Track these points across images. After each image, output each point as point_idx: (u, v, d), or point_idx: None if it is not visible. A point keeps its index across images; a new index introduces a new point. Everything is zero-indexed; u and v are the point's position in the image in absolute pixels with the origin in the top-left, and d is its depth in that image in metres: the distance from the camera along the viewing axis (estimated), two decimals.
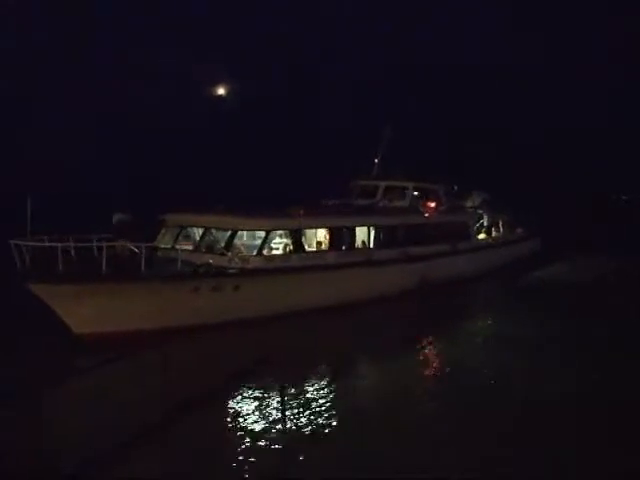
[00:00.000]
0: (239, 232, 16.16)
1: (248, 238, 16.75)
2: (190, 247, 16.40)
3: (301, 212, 16.97)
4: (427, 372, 13.33)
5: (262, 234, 16.13)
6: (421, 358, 14.26)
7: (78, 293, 13.25)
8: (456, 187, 26.56)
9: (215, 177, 38.25)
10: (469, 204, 26.12)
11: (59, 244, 13.15)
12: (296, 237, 16.79)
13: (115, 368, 12.89)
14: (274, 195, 26.50)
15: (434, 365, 13.88)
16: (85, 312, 13.56)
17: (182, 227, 17.13)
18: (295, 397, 11.02)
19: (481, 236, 25.70)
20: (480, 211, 26.16)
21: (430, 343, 15.29)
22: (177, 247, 15.32)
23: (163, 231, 17.47)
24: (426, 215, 22.57)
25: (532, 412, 10.46)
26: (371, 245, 19.25)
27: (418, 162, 26.50)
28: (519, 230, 29.19)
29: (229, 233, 15.92)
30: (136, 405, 10.61)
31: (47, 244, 13.24)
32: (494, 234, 26.71)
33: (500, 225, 27.17)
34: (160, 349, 13.58)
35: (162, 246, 16.57)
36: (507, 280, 23.75)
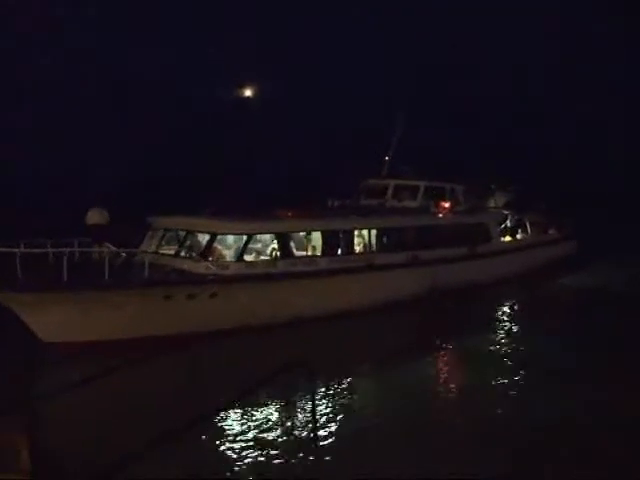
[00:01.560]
0: (219, 236, 15.18)
1: (231, 243, 15.75)
2: (171, 252, 15.60)
3: (289, 214, 15.86)
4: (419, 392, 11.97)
5: (243, 238, 15.10)
6: (409, 376, 12.79)
7: (39, 302, 12.62)
8: (494, 186, 24.87)
9: (236, 176, 37.61)
10: (492, 204, 24.34)
11: (18, 250, 12.51)
12: (283, 241, 15.69)
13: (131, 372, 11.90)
14: (287, 195, 25.51)
15: (426, 387, 12.41)
16: (51, 321, 12.94)
17: (166, 231, 16.33)
18: (312, 404, 10.28)
19: (506, 239, 23.89)
20: (505, 212, 24.34)
21: (424, 358, 13.97)
22: (144, 251, 14.50)
23: (150, 234, 16.74)
24: (439, 216, 21.06)
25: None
26: (373, 249, 17.92)
27: (440, 162, 25.05)
28: (552, 232, 27.10)
29: (208, 237, 14.99)
30: (156, 408, 10.43)
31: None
32: (521, 236, 24.80)
33: (528, 227, 25.20)
34: (180, 352, 13.30)
35: (149, 251, 15.86)
36: (530, 287, 21.89)
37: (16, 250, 12.50)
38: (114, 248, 14.87)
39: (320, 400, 10.79)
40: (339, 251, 16.93)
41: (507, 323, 17.62)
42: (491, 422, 10.11)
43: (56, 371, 12.90)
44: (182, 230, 15.80)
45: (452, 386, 12.45)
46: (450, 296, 18.62)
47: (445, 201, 21.66)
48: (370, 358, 13.85)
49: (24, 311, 12.92)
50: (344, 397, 11.41)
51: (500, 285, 21.43)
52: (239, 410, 10.43)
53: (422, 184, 21.40)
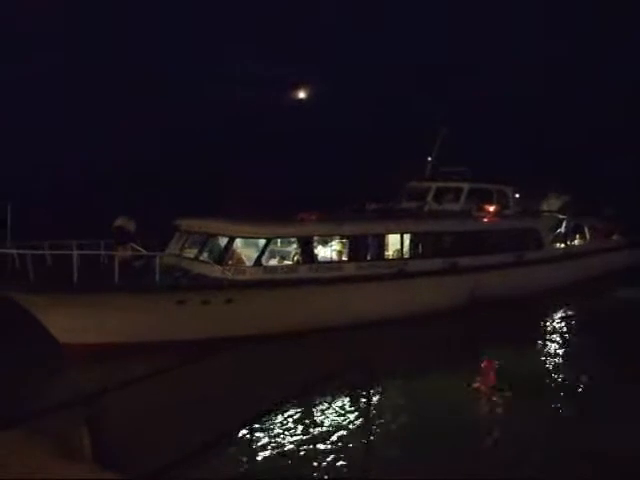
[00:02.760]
0: (238, 240, 14.66)
1: (250, 247, 15.21)
2: (192, 255, 15.27)
3: (312, 217, 15.16)
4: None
5: (262, 242, 14.51)
6: (440, 390, 12.01)
7: (52, 303, 12.57)
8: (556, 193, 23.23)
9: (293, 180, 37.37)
10: (545, 208, 22.66)
11: (29, 252, 12.51)
12: (305, 246, 14.98)
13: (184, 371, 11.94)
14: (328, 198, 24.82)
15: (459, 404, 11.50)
16: (64, 323, 12.89)
17: (189, 233, 16.03)
18: (366, 405, 10.29)
19: (560, 245, 22.16)
20: (560, 216, 22.59)
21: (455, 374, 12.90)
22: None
23: (176, 236, 16.50)
24: (484, 220, 19.71)
25: None
26: (406, 255, 16.89)
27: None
28: (616, 238, 25.00)
29: (226, 240, 14.51)
30: (207, 407, 10.33)
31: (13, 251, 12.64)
32: (578, 242, 22.96)
33: (587, 232, 23.31)
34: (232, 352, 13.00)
35: (174, 253, 15.64)
36: (586, 299, 20.07)
37: (21, 252, 12.54)
38: (141, 249, 14.71)
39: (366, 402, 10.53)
40: (368, 257, 16.05)
41: (554, 339, 16.03)
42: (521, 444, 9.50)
43: (106, 368, 12.90)
44: (203, 233, 15.43)
45: (487, 405, 11.65)
46: (493, 306, 17.31)
47: (491, 204, 20.30)
48: (398, 370, 13.01)
49: (39, 312, 12.93)
50: (380, 405, 11.10)
51: (552, 295, 19.85)
52: (293, 410, 10.35)
53: (466, 186, 20.13)
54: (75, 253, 12.43)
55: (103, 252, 13.65)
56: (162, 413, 10.28)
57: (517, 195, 22.28)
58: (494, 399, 11.78)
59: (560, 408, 11.14)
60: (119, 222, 15.65)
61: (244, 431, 8.93)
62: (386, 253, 16.66)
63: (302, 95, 46.46)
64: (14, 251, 12.89)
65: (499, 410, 11.21)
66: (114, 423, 9.58)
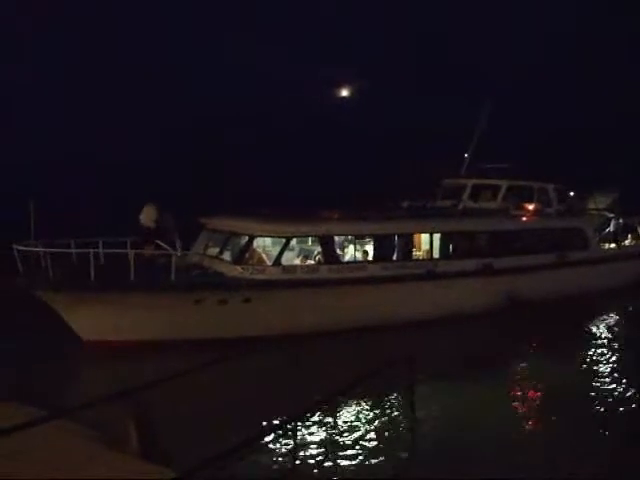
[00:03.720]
0: (258, 239, 14.42)
1: (270, 246, 14.93)
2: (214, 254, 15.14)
3: (335, 216, 14.74)
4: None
5: (281, 241, 14.21)
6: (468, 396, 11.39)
7: (73, 301, 12.71)
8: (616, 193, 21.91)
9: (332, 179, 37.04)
10: (591, 206, 21.37)
11: (50, 250, 12.67)
12: (326, 245, 14.57)
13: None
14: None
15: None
16: (85, 320, 13.01)
17: (213, 231, 15.91)
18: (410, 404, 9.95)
19: (609, 245, 20.83)
20: (610, 215, 21.24)
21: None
22: (175, 254, 14.05)
23: (202, 235, 16.42)
24: (522, 219, 18.73)
25: None
26: (436, 255, 16.21)
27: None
28: None
29: (246, 239, 14.29)
30: (247, 404, 10.32)
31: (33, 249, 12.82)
32: (629, 243, 21.52)
33: (639, 231, 21.84)
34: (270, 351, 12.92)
35: (198, 252, 15.56)
36: (635, 303, 18.72)
37: (39, 249, 12.69)
38: (165, 246, 14.63)
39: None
40: (394, 257, 15.48)
41: (598, 347, 14.87)
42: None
43: (150, 363, 12.96)
44: (225, 231, 15.27)
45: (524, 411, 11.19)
46: (533, 309, 16.40)
47: (531, 202, 19.28)
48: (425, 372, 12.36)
49: (60, 309, 13.11)
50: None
51: (599, 298, 18.63)
52: (329, 410, 10.11)
53: (504, 183, 19.19)
54: (93, 251, 12.52)
55: (126, 250, 13.54)
56: (193, 412, 10.10)
57: (571, 193, 21.21)
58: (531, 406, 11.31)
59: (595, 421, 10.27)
60: (142, 220, 15.66)
61: (281, 430, 8.60)
62: (414, 253, 16.05)
63: (345, 93, 45.92)
64: (40, 249, 13.08)
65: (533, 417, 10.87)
66: (162, 415, 9.45)
